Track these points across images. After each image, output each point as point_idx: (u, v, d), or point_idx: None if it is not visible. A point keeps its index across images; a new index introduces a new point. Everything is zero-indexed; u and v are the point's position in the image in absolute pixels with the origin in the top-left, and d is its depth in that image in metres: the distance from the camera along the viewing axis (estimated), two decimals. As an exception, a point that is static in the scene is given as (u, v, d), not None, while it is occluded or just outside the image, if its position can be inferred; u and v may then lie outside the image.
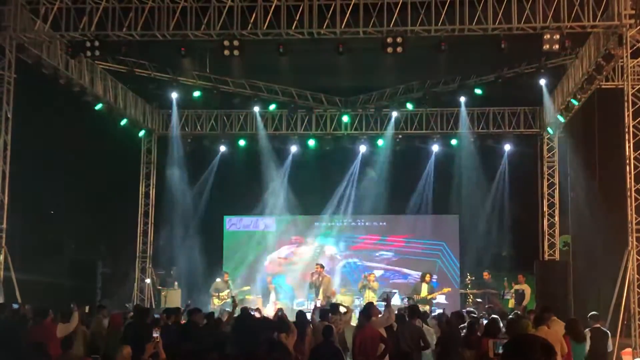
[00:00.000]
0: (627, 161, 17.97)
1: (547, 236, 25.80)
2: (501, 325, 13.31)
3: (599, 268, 22.10)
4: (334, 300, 21.32)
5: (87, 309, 16.51)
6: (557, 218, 25.79)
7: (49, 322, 13.52)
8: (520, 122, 26.35)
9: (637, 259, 17.59)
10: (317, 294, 22.83)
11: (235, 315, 15.48)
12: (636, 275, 17.48)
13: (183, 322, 15.77)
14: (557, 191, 25.86)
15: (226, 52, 18.65)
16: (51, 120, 22.87)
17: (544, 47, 17.95)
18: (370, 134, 26.74)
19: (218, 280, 24.24)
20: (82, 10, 18.95)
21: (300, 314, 15.08)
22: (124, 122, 25.13)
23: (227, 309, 22.24)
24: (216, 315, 16.69)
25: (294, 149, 27.46)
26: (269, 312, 22.46)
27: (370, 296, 22.94)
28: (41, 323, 13.55)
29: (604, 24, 18.10)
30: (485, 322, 14.60)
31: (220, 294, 23.69)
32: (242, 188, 28.06)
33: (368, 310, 13.58)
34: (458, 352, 12.94)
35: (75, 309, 13.99)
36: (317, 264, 24.14)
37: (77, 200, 25.06)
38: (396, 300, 23.64)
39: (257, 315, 17.24)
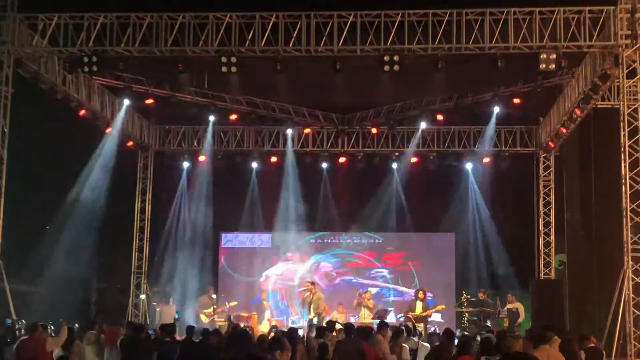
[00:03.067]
0: (623, 181, 17.98)
1: (542, 255, 25.78)
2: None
3: (595, 287, 22.10)
4: (328, 317, 21.26)
5: (75, 325, 16.40)
6: (552, 237, 25.79)
7: (38, 336, 13.57)
8: (517, 141, 26.38)
9: (633, 279, 17.59)
10: (308, 311, 22.73)
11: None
12: (631, 295, 17.46)
13: (178, 338, 15.74)
14: (552, 210, 25.89)
15: (224, 69, 18.71)
16: (48, 135, 22.88)
17: (541, 66, 18.04)
18: (367, 152, 26.73)
19: (202, 296, 24.11)
20: (80, 25, 18.99)
21: (292, 331, 15.07)
22: (120, 137, 25.10)
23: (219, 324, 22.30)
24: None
25: (289, 166, 27.43)
26: (264, 328, 22.41)
27: (365, 314, 22.86)
28: (31, 337, 13.61)
29: (600, 44, 18.19)
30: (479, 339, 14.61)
31: (206, 310, 23.56)
32: (239, 204, 28.06)
33: (364, 331, 13.70)
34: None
35: (64, 323, 14.06)
36: (307, 282, 24.01)
37: (73, 215, 25.04)
38: (392, 318, 23.61)
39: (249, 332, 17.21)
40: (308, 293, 23.00)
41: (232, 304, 24.04)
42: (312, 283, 23.69)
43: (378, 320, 17.27)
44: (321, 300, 22.96)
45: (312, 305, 22.62)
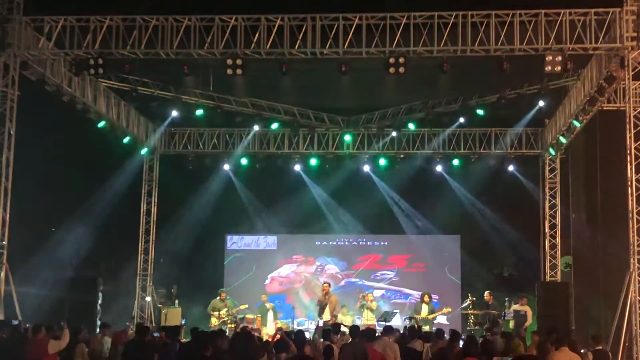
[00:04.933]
0: (629, 183, 17.97)
1: (548, 257, 25.72)
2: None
3: (601, 290, 22.08)
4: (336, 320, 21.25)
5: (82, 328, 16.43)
6: (558, 239, 25.73)
7: (41, 338, 13.64)
8: (522, 143, 26.35)
9: (639, 281, 17.55)
10: (321, 313, 22.66)
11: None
12: (638, 297, 17.43)
13: (183, 341, 15.76)
14: (558, 212, 25.83)
15: (229, 71, 18.71)
16: (54, 137, 22.94)
17: (546, 68, 18.01)
18: (372, 154, 26.72)
19: (215, 299, 24.12)
20: (86, 28, 19.01)
21: (300, 333, 15.07)
22: (126, 139, 25.18)
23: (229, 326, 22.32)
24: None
25: (296, 167, 27.43)
26: (269, 331, 22.41)
27: (368, 316, 22.83)
28: (34, 339, 13.68)
29: (606, 46, 18.16)
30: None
31: (217, 312, 23.54)
32: (244, 206, 28.10)
33: (368, 333, 13.77)
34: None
35: (65, 326, 14.13)
36: (325, 283, 23.93)
37: (79, 217, 25.09)
38: (397, 321, 23.60)
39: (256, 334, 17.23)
40: (325, 295, 22.91)
41: (243, 306, 24.06)
42: (329, 284, 23.66)
43: (383, 322, 17.29)
44: (337, 302, 22.94)
45: (328, 307, 22.56)
